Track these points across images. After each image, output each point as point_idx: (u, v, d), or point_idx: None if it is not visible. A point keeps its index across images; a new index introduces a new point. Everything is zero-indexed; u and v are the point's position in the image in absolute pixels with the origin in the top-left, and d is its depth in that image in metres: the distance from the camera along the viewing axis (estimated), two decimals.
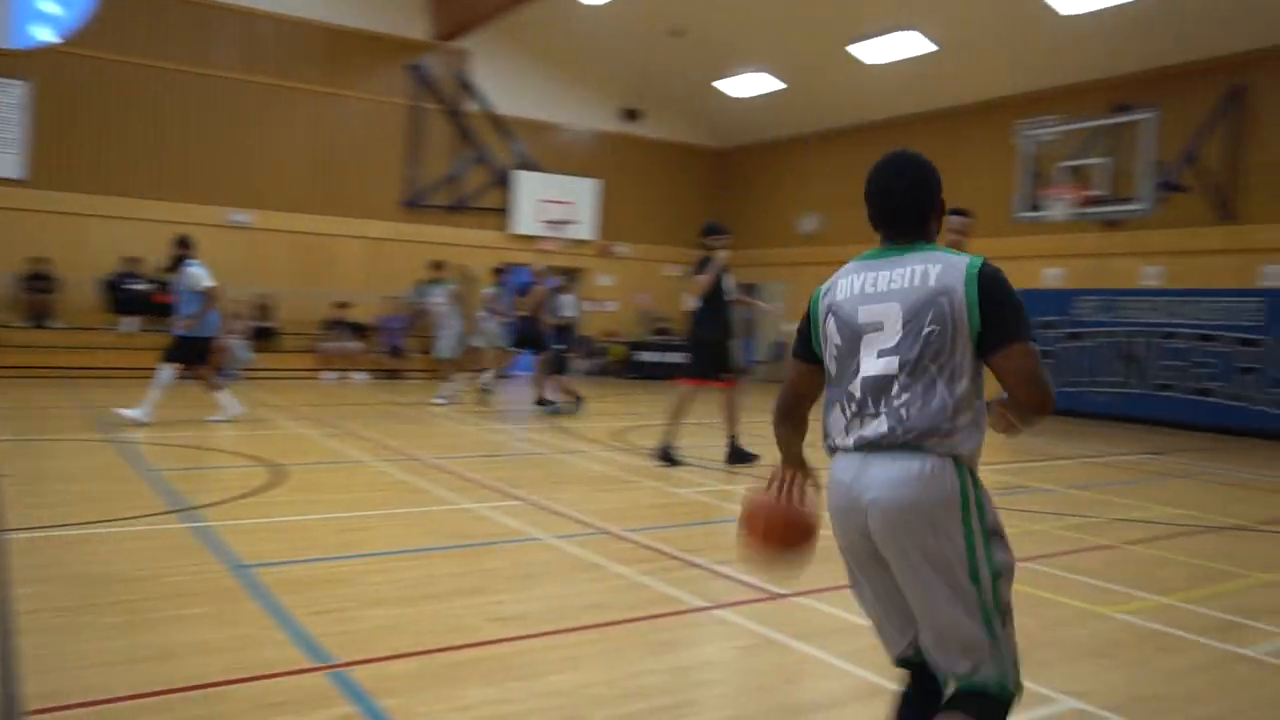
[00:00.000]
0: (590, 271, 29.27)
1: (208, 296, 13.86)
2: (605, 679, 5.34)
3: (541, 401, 17.90)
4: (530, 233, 27.75)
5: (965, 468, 3.73)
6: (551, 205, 27.85)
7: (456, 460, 11.79)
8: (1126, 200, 19.18)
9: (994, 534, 3.77)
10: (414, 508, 9.03)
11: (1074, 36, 20.54)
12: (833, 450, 3.92)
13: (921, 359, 3.70)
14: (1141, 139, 18.97)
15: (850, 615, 6.35)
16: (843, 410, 3.85)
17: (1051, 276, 22.39)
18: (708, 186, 31.35)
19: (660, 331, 28.71)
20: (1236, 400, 18.41)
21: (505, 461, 12.04)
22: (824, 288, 4.02)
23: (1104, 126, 20.35)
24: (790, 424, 4.18)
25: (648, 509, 9.41)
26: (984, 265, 3.74)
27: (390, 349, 24.48)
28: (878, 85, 24.92)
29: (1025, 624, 5.54)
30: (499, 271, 20.49)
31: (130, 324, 22.15)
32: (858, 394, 3.79)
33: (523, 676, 5.31)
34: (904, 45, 23.24)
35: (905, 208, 3.89)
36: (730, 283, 12.45)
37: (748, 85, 27.61)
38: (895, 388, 3.71)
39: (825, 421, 3.96)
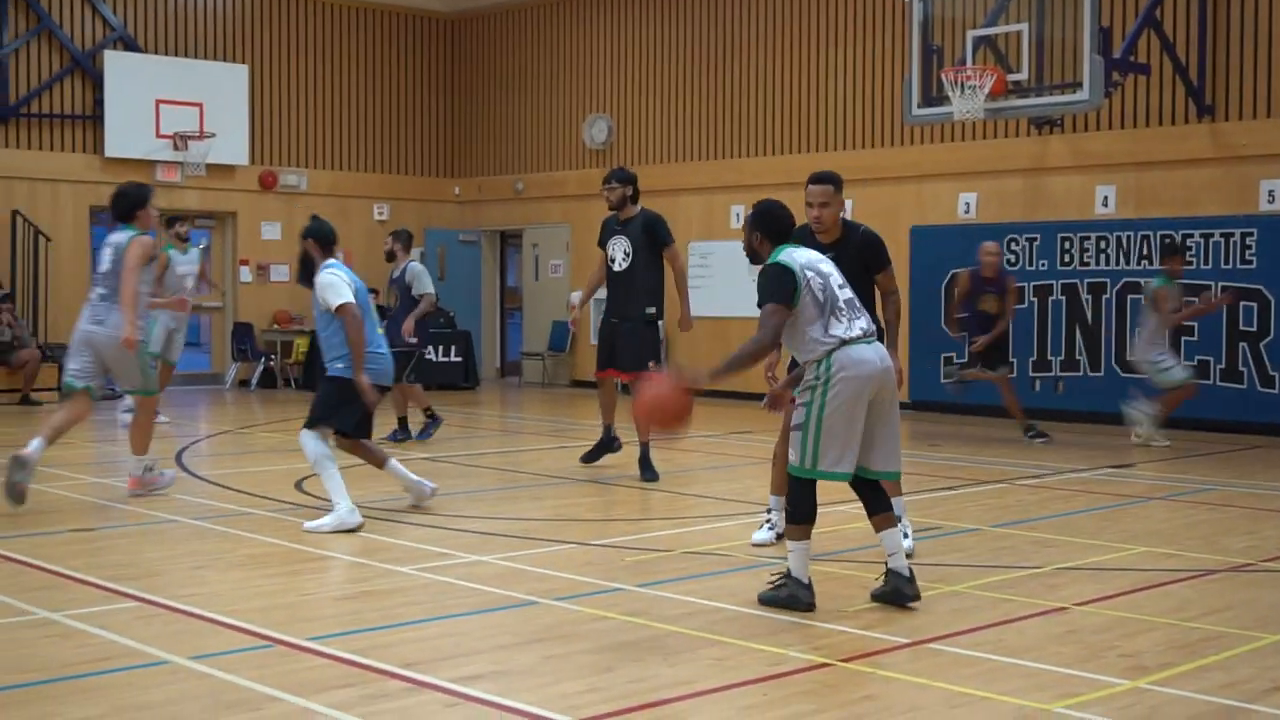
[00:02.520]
0: (245, 217, 21.13)
1: None
2: None
3: None
4: (140, 155, 19.72)
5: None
6: (173, 109, 19.73)
7: (23, 540, 8.34)
8: (1064, 87, 16.03)
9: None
10: None
11: None
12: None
13: None
14: None
15: None
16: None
17: (964, 205, 17.76)
18: (431, 75, 23.56)
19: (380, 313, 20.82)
20: (1235, 383, 15.42)
21: (112, 536, 8.77)
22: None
23: None
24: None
25: (345, 600, 6.83)
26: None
27: None
28: None
29: None
30: (177, 223, 15.63)
31: None
32: None
33: None
34: None
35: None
36: None
37: None
38: None
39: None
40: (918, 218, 17.40)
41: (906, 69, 16.95)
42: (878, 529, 6.57)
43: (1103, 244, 16.16)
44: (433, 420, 13.69)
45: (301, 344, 20.03)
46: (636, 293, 10.94)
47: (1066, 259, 16.37)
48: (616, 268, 11.07)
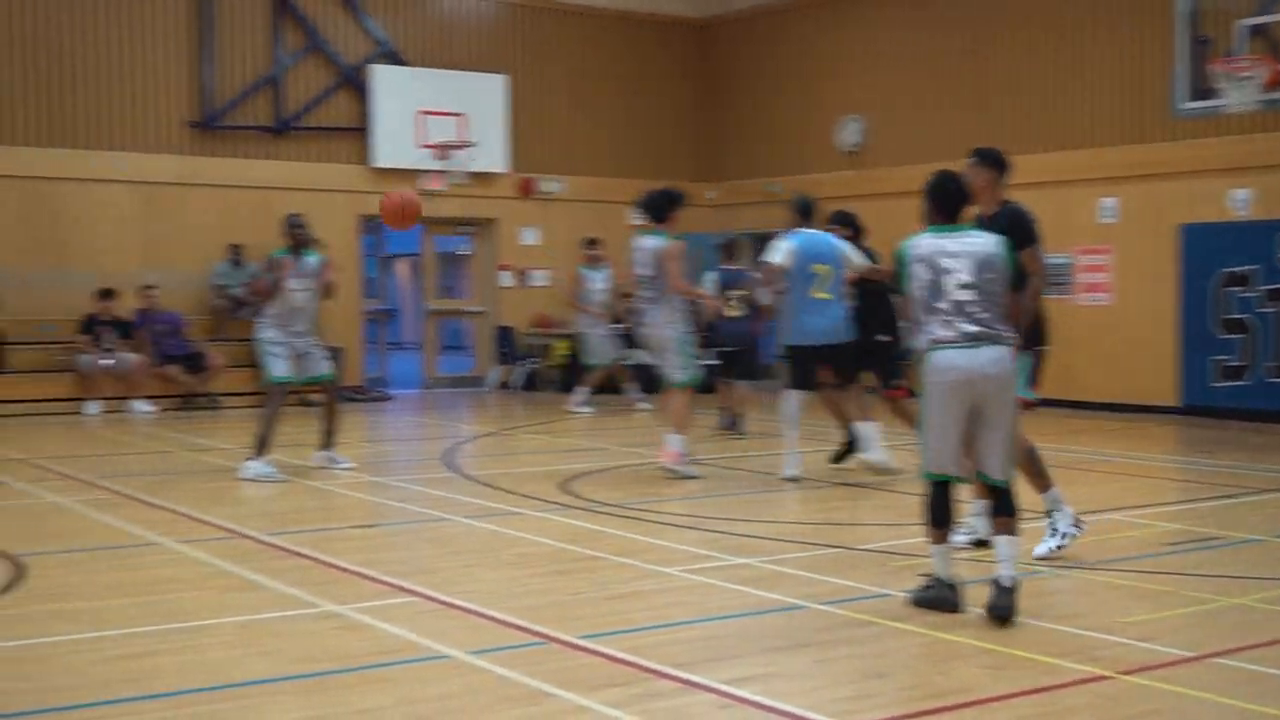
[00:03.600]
0: (505, 223, 21.54)
1: None
2: None
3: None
4: (403, 165, 20.32)
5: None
6: (434, 119, 20.15)
7: (307, 535, 8.68)
8: None
9: None
10: (241, 615, 6.49)
11: None
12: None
13: None
14: None
15: None
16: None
17: (1239, 201, 16.89)
18: (685, 80, 23.71)
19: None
20: None
21: (389, 534, 9.24)
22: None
23: None
24: None
25: (614, 600, 6.72)
26: None
27: (183, 361, 17.67)
28: None
29: None
30: (592, 244, 18.06)
31: None
32: None
33: None
34: None
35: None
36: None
37: None
38: None
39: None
40: (1187, 215, 16.70)
41: (1173, 60, 16.42)
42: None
43: None
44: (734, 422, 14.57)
45: (561, 347, 20.40)
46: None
47: None
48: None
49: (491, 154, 20.88)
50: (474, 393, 20.66)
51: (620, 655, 5.63)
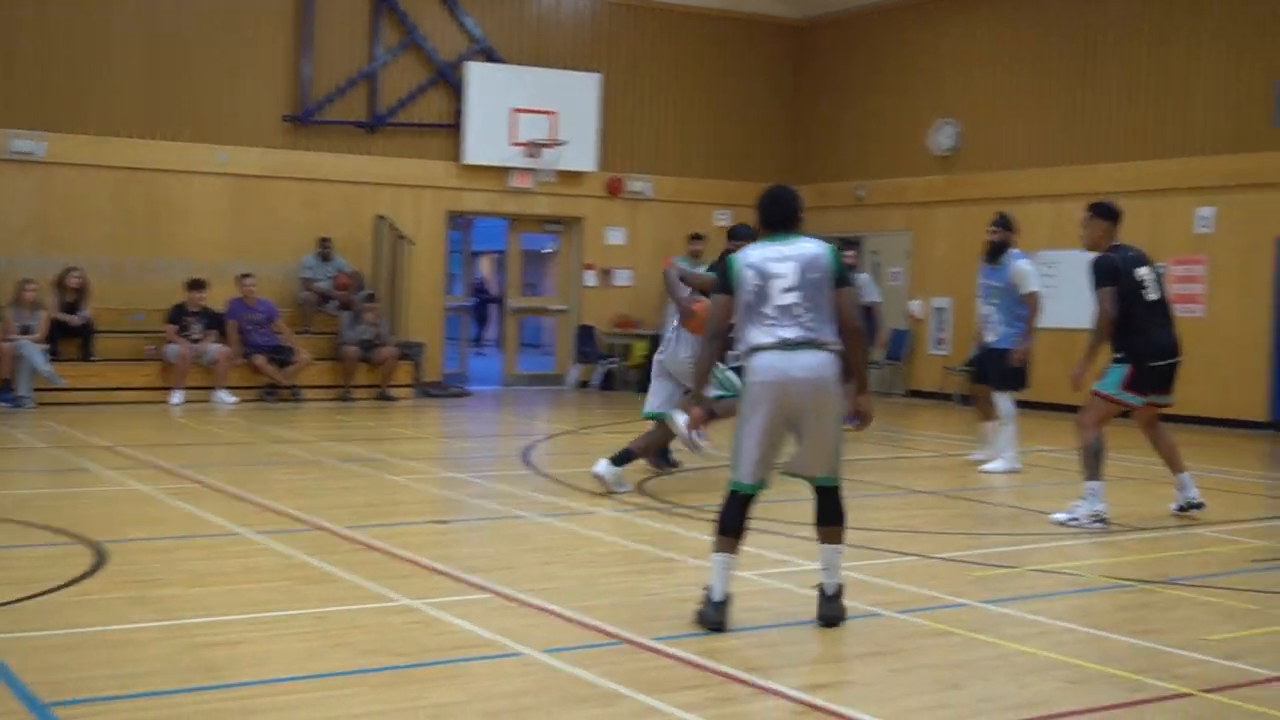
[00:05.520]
0: (591, 222, 21.42)
1: None
2: None
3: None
4: (494, 162, 20.23)
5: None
6: (526, 117, 20.04)
7: (385, 529, 8.75)
8: None
9: None
10: (318, 607, 6.65)
11: None
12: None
13: None
14: None
15: None
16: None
17: None
18: (777, 82, 23.41)
19: None
20: None
21: (465, 530, 9.32)
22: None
23: None
24: None
25: (689, 602, 6.53)
26: None
27: (271, 353, 17.60)
28: None
29: None
30: (697, 238, 19.34)
31: None
32: None
33: None
34: None
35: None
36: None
37: None
38: None
39: None
40: None
41: (1275, 71, 15.97)
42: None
43: None
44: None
45: (640, 347, 20.35)
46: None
47: None
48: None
49: (581, 153, 20.82)
50: (553, 391, 20.69)
51: (694, 658, 5.59)
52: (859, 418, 6.36)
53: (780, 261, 6.29)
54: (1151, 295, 9.38)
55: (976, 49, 20.54)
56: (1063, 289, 16.72)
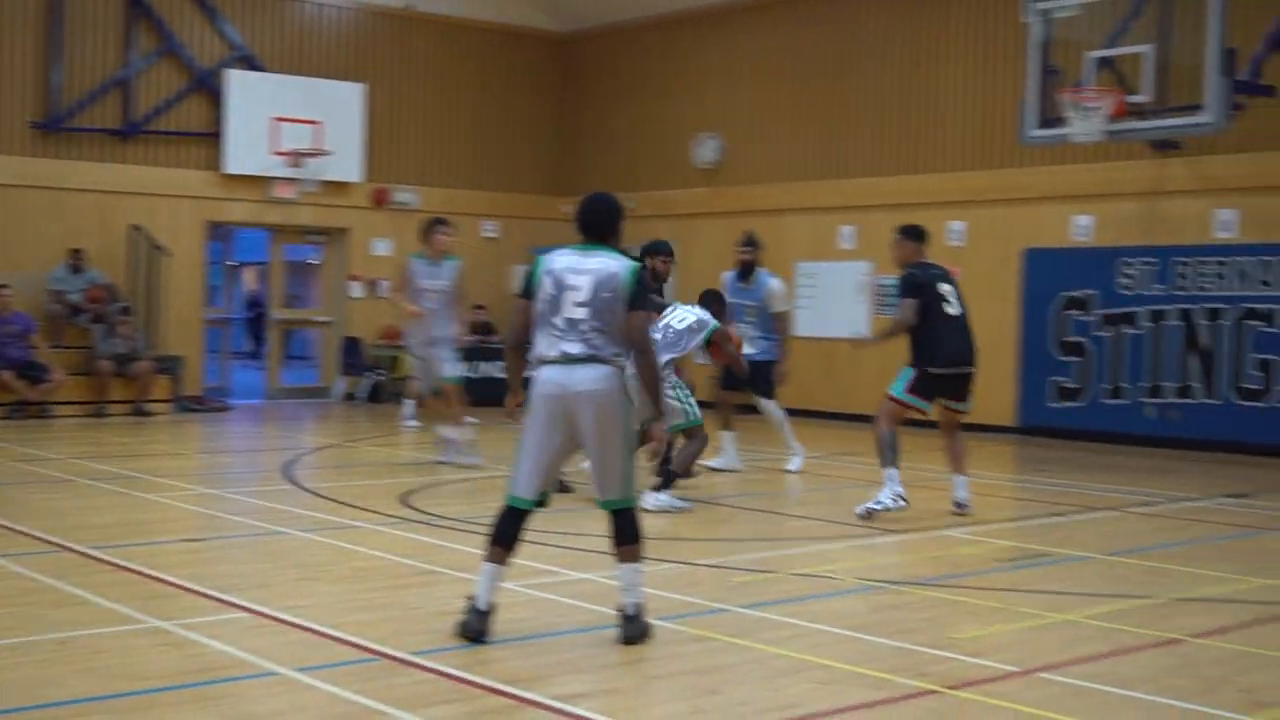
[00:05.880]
0: (357, 233, 21.13)
1: None
2: None
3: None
4: (256, 172, 19.91)
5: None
6: (289, 126, 19.72)
7: (135, 549, 8.48)
8: (1186, 109, 15.57)
9: None
10: (61, 632, 6.26)
11: None
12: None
13: None
14: (1208, 17, 15.38)
15: None
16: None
17: (1081, 228, 17.42)
18: (543, 94, 23.59)
19: (485, 329, 21.08)
20: None
21: (222, 547, 9.00)
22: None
23: None
24: None
25: (449, 616, 6.47)
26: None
27: (22, 368, 16.93)
28: None
29: None
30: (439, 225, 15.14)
31: None
32: None
33: None
34: None
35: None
36: None
37: None
38: None
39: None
40: (1031, 240, 17.16)
41: (1023, 89, 16.66)
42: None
43: (1221, 268, 15.81)
44: None
45: (406, 360, 20.17)
46: None
47: (1182, 283, 16.05)
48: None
49: (346, 163, 20.56)
50: (319, 404, 20.35)
51: (454, 671, 5.56)
52: (651, 441, 6.54)
53: (578, 274, 6.25)
54: (952, 309, 10.23)
55: (738, 64, 21.03)
56: (821, 299, 17.20)
